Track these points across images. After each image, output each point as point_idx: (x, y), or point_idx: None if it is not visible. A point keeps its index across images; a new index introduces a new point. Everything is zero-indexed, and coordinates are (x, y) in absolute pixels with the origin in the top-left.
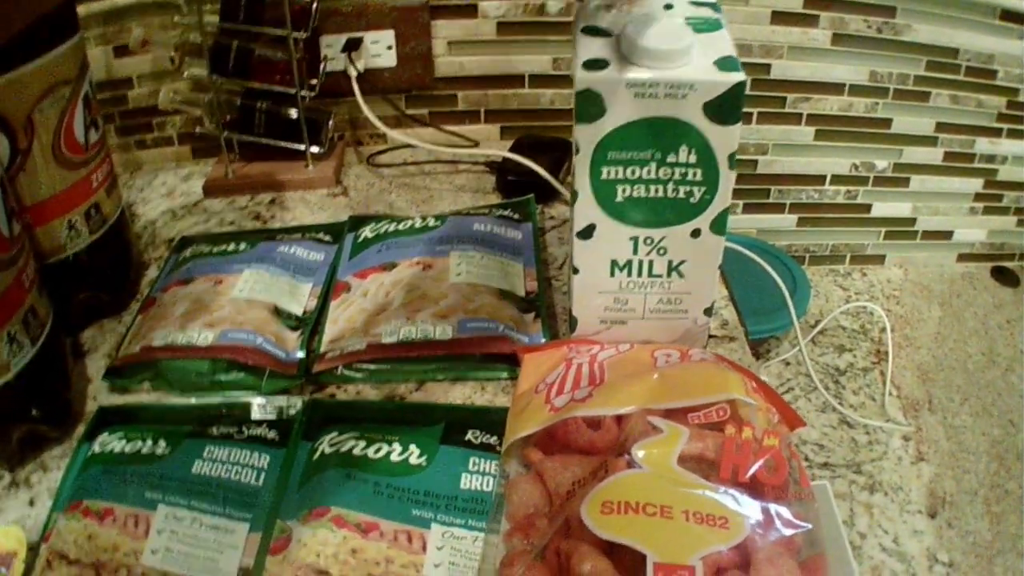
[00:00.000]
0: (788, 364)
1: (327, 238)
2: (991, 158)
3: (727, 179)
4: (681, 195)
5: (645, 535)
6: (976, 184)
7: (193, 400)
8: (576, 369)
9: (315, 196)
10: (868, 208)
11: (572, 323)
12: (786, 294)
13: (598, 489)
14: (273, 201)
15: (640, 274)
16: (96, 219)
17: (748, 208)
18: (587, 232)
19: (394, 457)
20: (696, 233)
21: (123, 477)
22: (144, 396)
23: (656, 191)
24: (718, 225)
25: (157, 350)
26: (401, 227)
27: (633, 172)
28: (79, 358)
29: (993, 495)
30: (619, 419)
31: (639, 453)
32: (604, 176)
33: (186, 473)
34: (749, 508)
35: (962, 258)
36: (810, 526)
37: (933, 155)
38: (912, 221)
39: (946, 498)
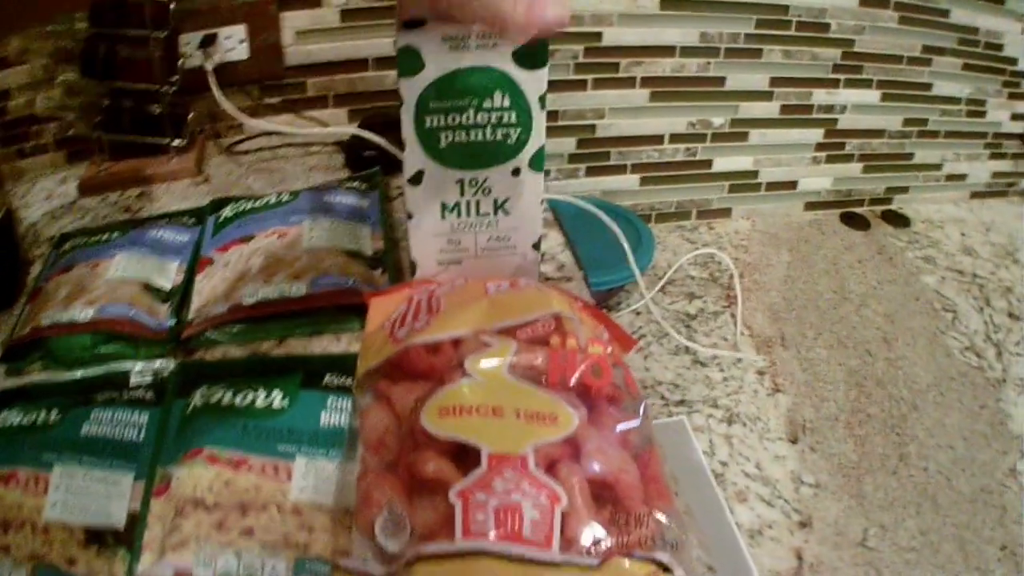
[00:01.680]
0: (639, 314)
1: (191, 221)
2: (829, 108)
3: (540, 119)
4: (499, 137)
5: (479, 432)
6: (816, 134)
7: (79, 374)
8: (416, 304)
9: (179, 186)
10: (709, 164)
11: (412, 268)
12: (625, 244)
13: (435, 398)
14: (142, 194)
15: (469, 214)
16: None
17: (591, 171)
18: (416, 178)
19: (259, 403)
20: (516, 172)
21: (22, 445)
22: (36, 376)
23: (476, 135)
24: (536, 163)
25: (44, 329)
26: (258, 204)
27: (454, 119)
28: None
29: (855, 419)
30: (455, 343)
31: (471, 366)
32: (428, 125)
33: (76, 436)
34: (577, 407)
35: (809, 206)
36: (637, 422)
37: (770, 109)
38: (755, 174)
39: (806, 425)
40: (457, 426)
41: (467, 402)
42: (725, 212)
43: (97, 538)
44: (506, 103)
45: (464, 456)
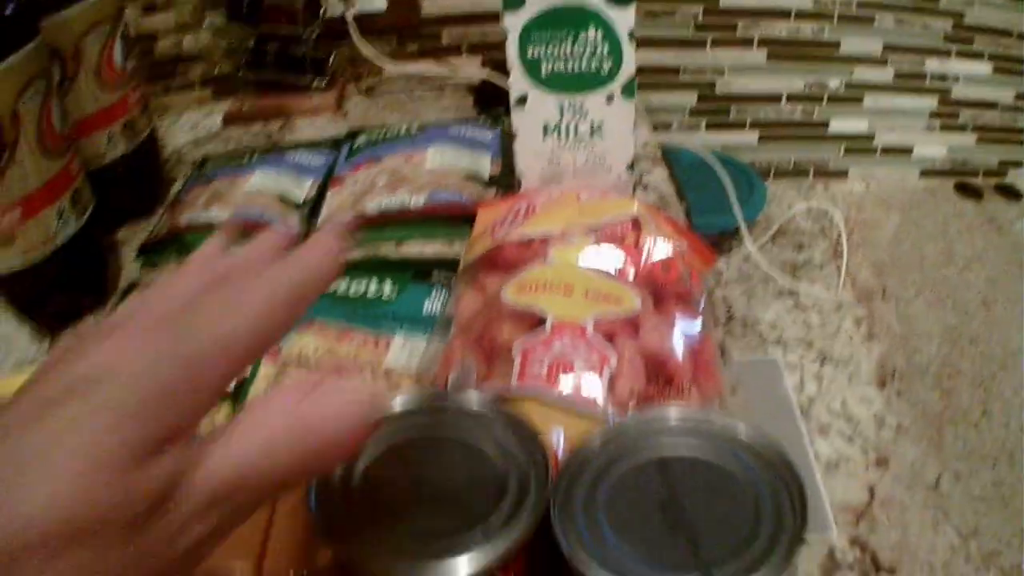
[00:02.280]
0: (748, 259)
1: (328, 148)
2: (943, 77)
3: (629, 52)
4: (593, 67)
5: (549, 304)
6: (930, 102)
7: None
8: (515, 210)
9: (320, 121)
10: (826, 125)
11: (518, 182)
12: (730, 190)
13: (516, 278)
14: (283, 126)
15: (568, 136)
16: (131, 132)
17: (711, 126)
18: (521, 101)
19: (371, 292)
20: (610, 98)
21: None
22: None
23: (573, 65)
24: (627, 91)
25: (182, 228)
26: (389, 134)
27: (553, 50)
28: (114, 251)
29: (945, 372)
30: (544, 240)
31: (551, 254)
32: (530, 55)
33: None
34: (641, 294)
35: (924, 174)
36: (696, 313)
37: (884, 74)
38: (870, 137)
39: (896, 372)
40: (531, 299)
41: (542, 280)
42: (841, 174)
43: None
44: (599, 36)
45: (536, 327)
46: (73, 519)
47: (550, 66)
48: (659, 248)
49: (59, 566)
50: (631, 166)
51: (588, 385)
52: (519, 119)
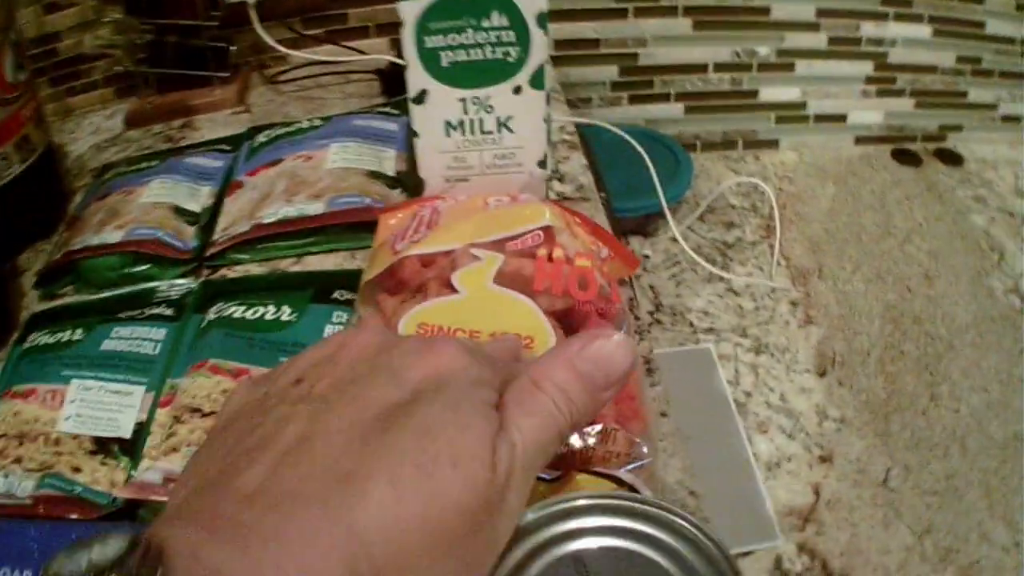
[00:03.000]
0: (675, 240)
1: (227, 148)
2: (879, 41)
3: (539, 37)
4: (499, 56)
5: None
6: (866, 68)
7: (107, 294)
8: (418, 219)
9: (221, 116)
10: (755, 94)
11: (420, 186)
12: (652, 170)
13: (416, 310)
14: (184, 125)
15: (473, 132)
16: (26, 149)
17: (634, 99)
18: (420, 98)
19: (268, 316)
20: (518, 90)
21: (44, 363)
22: (69, 299)
23: (475, 54)
24: (537, 81)
25: (76, 252)
26: (291, 129)
27: (453, 39)
28: (15, 278)
29: (888, 355)
30: (448, 255)
31: (458, 279)
32: (428, 45)
33: (96, 351)
34: (556, 328)
35: (860, 141)
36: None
37: (817, 40)
38: (803, 105)
39: (836, 358)
40: None
41: (446, 322)
42: (772, 144)
43: (104, 448)
44: (504, 22)
45: None
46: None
47: (451, 57)
48: (575, 261)
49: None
50: (543, 162)
51: None
52: (419, 117)
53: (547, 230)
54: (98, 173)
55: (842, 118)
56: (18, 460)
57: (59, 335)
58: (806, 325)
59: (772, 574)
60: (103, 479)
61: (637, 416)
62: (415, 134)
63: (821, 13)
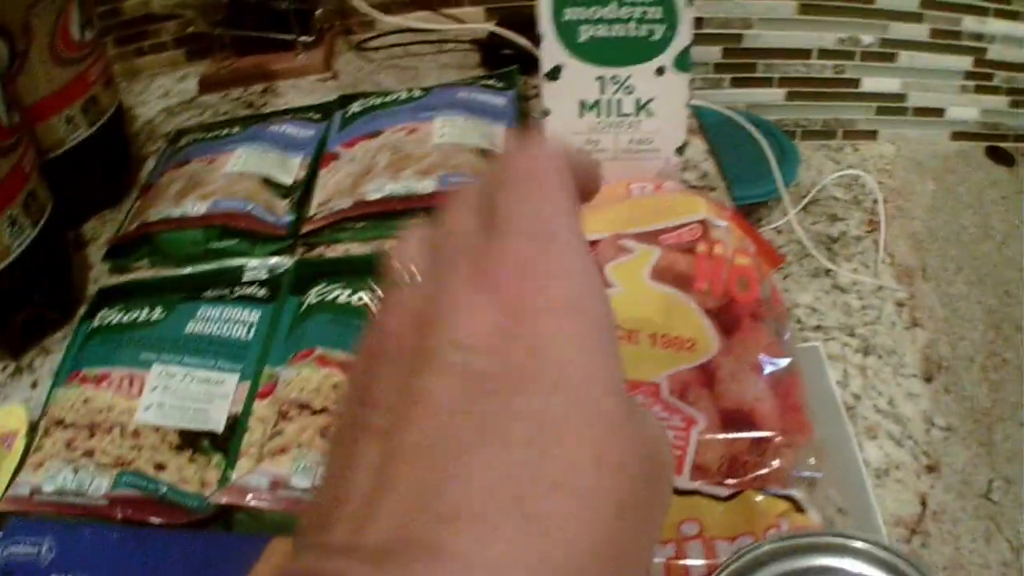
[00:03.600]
0: (780, 232)
1: (317, 116)
2: (979, 36)
3: (686, 16)
4: (643, 33)
5: None
6: (965, 62)
7: (188, 270)
8: None
9: (306, 82)
10: (857, 83)
11: None
12: (771, 158)
13: None
14: (265, 90)
15: (609, 114)
16: (94, 112)
17: (736, 82)
18: (554, 73)
19: (374, 303)
20: (660, 71)
21: (119, 343)
22: (142, 273)
23: (618, 30)
24: (681, 62)
25: (153, 224)
26: (388, 100)
27: (595, 11)
28: (81, 248)
29: (991, 363)
30: (593, 246)
31: (610, 272)
32: (567, 17)
33: (179, 333)
34: (717, 330)
35: (956, 136)
36: (781, 347)
37: (919, 31)
38: (902, 97)
39: (942, 363)
40: None
41: None
42: (871, 135)
43: (191, 442)
44: None
45: None
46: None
47: (590, 32)
48: (735, 259)
49: None
50: (681, 149)
51: (674, 454)
52: (551, 94)
53: (703, 223)
54: (172, 139)
55: (940, 112)
56: (90, 453)
57: (134, 313)
58: (912, 327)
59: None
60: (192, 477)
61: (803, 428)
62: (545, 112)
63: (925, 4)
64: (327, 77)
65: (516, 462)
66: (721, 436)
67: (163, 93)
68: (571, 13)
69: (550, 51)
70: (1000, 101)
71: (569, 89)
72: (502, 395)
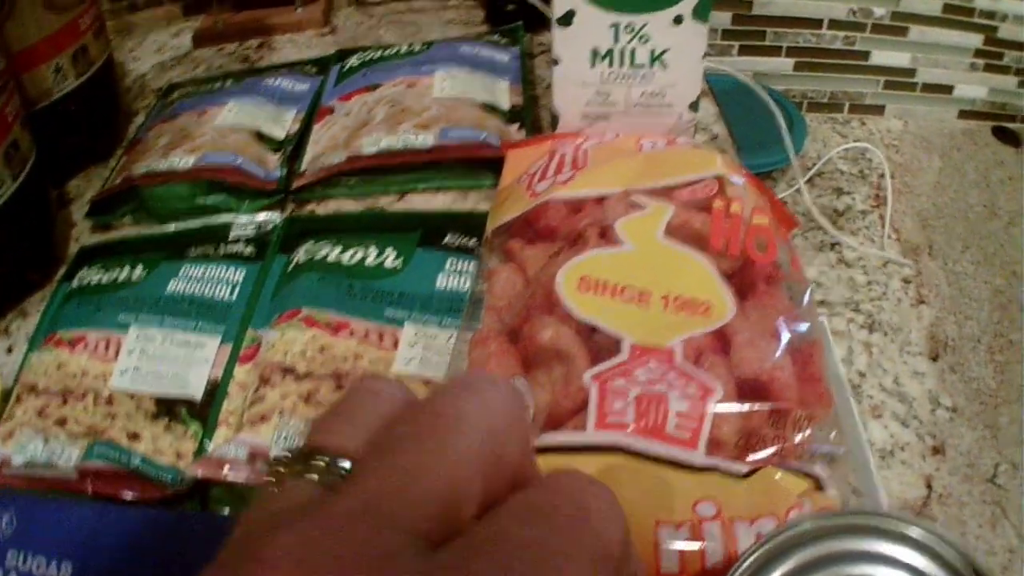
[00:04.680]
0: (785, 204)
1: (313, 70)
2: (991, 14)
3: None
4: None
5: (621, 319)
6: (976, 39)
7: (173, 227)
8: (559, 158)
9: (303, 37)
10: (866, 55)
11: (554, 120)
12: (782, 125)
13: (576, 261)
14: (261, 45)
15: (622, 64)
16: (83, 61)
17: (744, 50)
18: (566, 19)
19: (369, 261)
20: (679, 20)
21: (97, 305)
22: (126, 231)
23: None
24: (701, 11)
25: (137, 179)
26: (387, 54)
27: None
28: (64, 206)
29: (997, 344)
30: (600, 202)
31: (621, 228)
32: None
33: (160, 293)
34: (733, 293)
35: (963, 115)
36: (799, 312)
37: (932, 6)
38: (912, 72)
39: (948, 342)
40: (598, 307)
41: (612, 278)
42: (878, 109)
43: (168, 410)
44: None
45: (591, 333)
46: None
47: None
48: (754, 220)
49: None
50: (695, 104)
51: (685, 426)
52: (562, 42)
53: (719, 179)
54: (163, 93)
55: (948, 89)
56: (61, 422)
57: (115, 273)
58: (918, 305)
59: None
60: (167, 448)
61: (822, 400)
62: (555, 61)
63: None
64: (325, 32)
65: None
66: (738, 408)
67: (157, 48)
68: None
69: None
70: (1009, 81)
71: (581, 36)
72: None
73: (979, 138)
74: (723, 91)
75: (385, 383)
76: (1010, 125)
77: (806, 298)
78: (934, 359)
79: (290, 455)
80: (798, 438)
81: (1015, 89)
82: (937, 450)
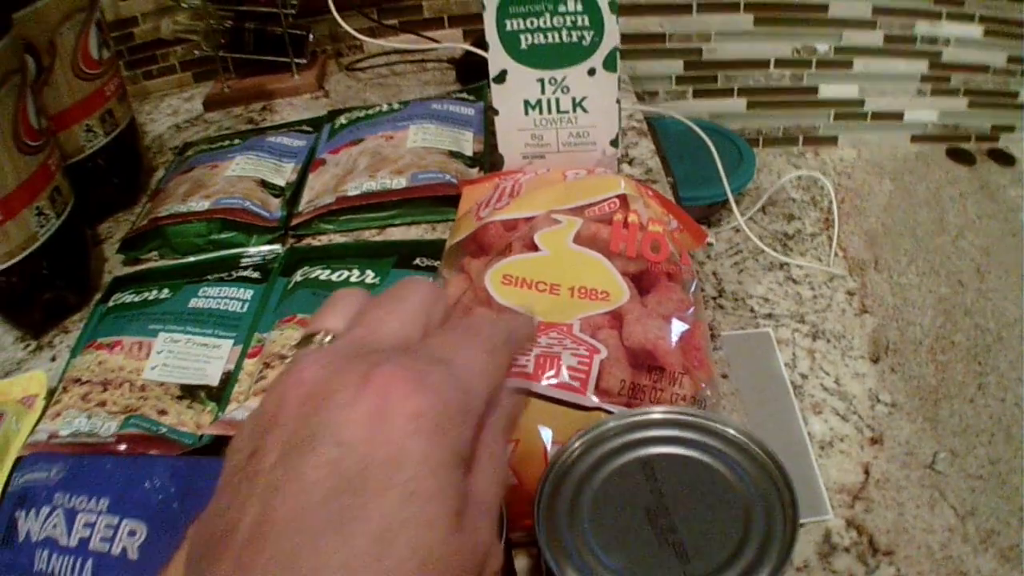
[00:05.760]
0: (737, 231)
1: (308, 129)
2: (933, 40)
3: (611, 22)
4: (574, 39)
5: (534, 303)
6: (921, 66)
7: (193, 259)
8: (500, 190)
9: (300, 100)
10: (815, 91)
11: (499, 161)
12: (718, 162)
13: (501, 264)
14: (264, 108)
15: (550, 111)
16: (110, 123)
17: (698, 94)
18: (501, 77)
19: (352, 279)
20: (592, 72)
21: (130, 318)
22: (153, 264)
23: (553, 37)
24: (609, 63)
25: (163, 219)
26: (371, 112)
27: (532, 22)
28: (97, 245)
29: (939, 345)
30: (528, 220)
31: (540, 239)
32: (508, 28)
33: (184, 308)
34: (629, 284)
35: (916, 139)
36: (687, 298)
37: (874, 38)
38: (860, 103)
39: (889, 346)
40: (516, 296)
41: (528, 275)
42: (831, 140)
43: (190, 394)
44: (579, 7)
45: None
46: None
47: (529, 40)
48: (648, 227)
49: None
50: (615, 141)
51: (576, 376)
52: (499, 96)
53: (622, 198)
54: (179, 151)
55: (899, 116)
56: (102, 404)
57: (144, 294)
58: (861, 314)
59: (821, 547)
60: (188, 421)
61: (703, 365)
62: (495, 111)
63: (877, 11)
64: (319, 95)
65: (356, 554)
66: (622, 366)
67: (172, 111)
68: (512, 24)
69: (496, 57)
70: (959, 103)
71: (514, 90)
72: (359, 495)
73: (932, 160)
74: (675, 133)
75: (351, 291)
76: (964, 145)
77: (692, 288)
78: (875, 361)
79: (297, 340)
80: (676, 390)
81: (965, 110)
82: (875, 441)
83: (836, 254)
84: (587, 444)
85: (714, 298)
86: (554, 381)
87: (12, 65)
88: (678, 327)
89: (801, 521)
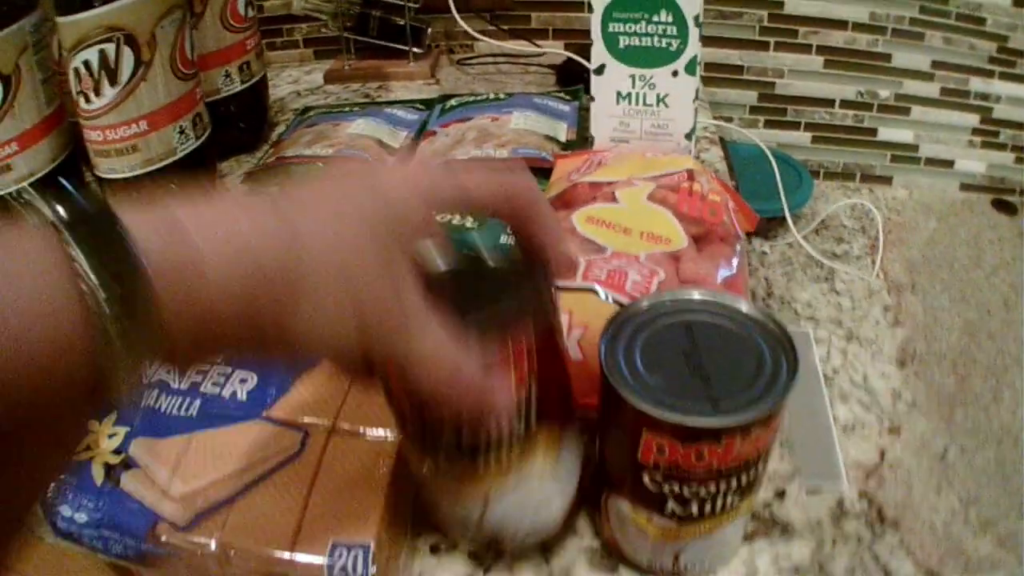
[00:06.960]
0: (791, 246)
1: (421, 107)
2: (985, 96)
3: (694, 34)
4: (663, 45)
5: (610, 239)
6: (973, 119)
7: None
8: (589, 162)
9: (414, 85)
10: (874, 132)
11: (590, 141)
12: (779, 179)
13: (586, 208)
14: (380, 87)
15: (637, 103)
16: (246, 73)
17: (768, 124)
18: (600, 70)
19: (455, 222)
20: (675, 73)
21: None
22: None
23: (646, 41)
24: (690, 68)
25: (288, 158)
26: (479, 98)
27: (630, 27)
28: (220, 178)
29: (961, 360)
30: (612, 184)
31: (620, 194)
32: (611, 29)
33: None
34: (689, 236)
35: (964, 187)
36: (735, 251)
37: (931, 89)
38: (915, 147)
39: (916, 355)
40: (595, 231)
41: (607, 218)
42: (887, 180)
43: None
44: (670, 19)
45: (590, 244)
46: None
47: (627, 41)
48: (708, 195)
49: None
50: (689, 135)
51: (638, 288)
52: (597, 85)
53: (690, 172)
54: (301, 112)
55: (950, 163)
56: None
57: None
58: (894, 326)
59: (834, 511)
60: None
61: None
62: (592, 99)
63: (936, 64)
64: (431, 83)
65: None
66: (675, 286)
67: (292, 81)
68: (614, 27)
69: (598, 53)
70: (1006, 157)
71: (610, 82)
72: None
73: (977, 207)
74: (744, 153)
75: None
76: (1009, 198)
77: (738, 247)
78: (901, 366)
79: None
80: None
81: (1012, 164)
82: (893, 430)
83: (878, 275)
84: (648, 304)
85: (763, 299)
86: (620, 290)
87: (177, 0)
88: (724, 271)
89: (819, 486)
